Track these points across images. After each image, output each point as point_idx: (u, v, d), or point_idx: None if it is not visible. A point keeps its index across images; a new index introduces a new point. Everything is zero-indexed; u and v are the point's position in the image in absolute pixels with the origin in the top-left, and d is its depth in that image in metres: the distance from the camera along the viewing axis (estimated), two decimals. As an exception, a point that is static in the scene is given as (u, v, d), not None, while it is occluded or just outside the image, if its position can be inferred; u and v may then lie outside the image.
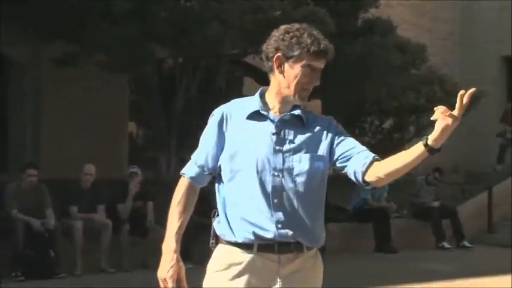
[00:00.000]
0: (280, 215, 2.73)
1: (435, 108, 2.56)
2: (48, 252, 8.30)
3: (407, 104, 13.77)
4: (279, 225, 2.73)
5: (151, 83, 11.30)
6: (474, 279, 9.03)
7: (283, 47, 2.75)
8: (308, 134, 2.80)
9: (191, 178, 2.89)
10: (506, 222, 12.81)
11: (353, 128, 15.22)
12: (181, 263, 2.84)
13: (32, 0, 9.10)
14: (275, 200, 2.73)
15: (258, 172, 2.74)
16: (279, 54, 2.76)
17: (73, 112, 11.40)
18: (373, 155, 2.76)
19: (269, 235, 2.73)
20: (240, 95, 10.01)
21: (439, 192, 12.14)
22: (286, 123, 2.80)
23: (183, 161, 2.99)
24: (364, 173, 2.73)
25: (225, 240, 2.81)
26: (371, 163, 2.73)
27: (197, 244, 7.20)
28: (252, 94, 2.93)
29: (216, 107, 2.91)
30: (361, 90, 11.66)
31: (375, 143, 14.97)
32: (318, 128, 2.82)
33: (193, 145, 3.03)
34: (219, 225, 2.84)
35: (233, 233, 2.77)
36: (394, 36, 11.24)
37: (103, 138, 11.78)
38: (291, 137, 2.79)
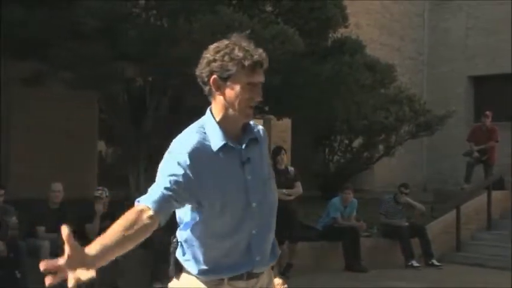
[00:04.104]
0: (257, 247, 2.69)
1: None
2: (14, 273, 8.16)
3: (377, 123, 13.88)
4: (257, 258, 2.69)
5: (121, 102, 11.23)
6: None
7: (217, 69, 2.59)
8: (263, 157, 2.77)
9: (153, 204, 2.52)
10: (473, 241, 12.93)
11: (322, 146, 15.30)
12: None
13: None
14: (253, 231, 2.66)
15: (234, 206, 2.61)
16: (214, 76, 2.60)
17: (42, 131, 11.27)
18: None
19: (244, 269, 2.67)
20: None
21: (408, 211, 12.20)
22: (249, 150, 2.70)
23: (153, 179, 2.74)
24: None
25: (193, 275, 2.70)
26: None
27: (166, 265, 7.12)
28: None
29: (187, 126, 2.73)
30: (331, 109, 11.70)
31: (345, 161, 15.05)
32: (262, 147, 2.79)
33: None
34: (185, 262, 2.71)
35: (205, 272, 2.67)
36: (363, 56, 11.32)
37: (72, 158, 11.67)
38: (255, 164, 2.69)
